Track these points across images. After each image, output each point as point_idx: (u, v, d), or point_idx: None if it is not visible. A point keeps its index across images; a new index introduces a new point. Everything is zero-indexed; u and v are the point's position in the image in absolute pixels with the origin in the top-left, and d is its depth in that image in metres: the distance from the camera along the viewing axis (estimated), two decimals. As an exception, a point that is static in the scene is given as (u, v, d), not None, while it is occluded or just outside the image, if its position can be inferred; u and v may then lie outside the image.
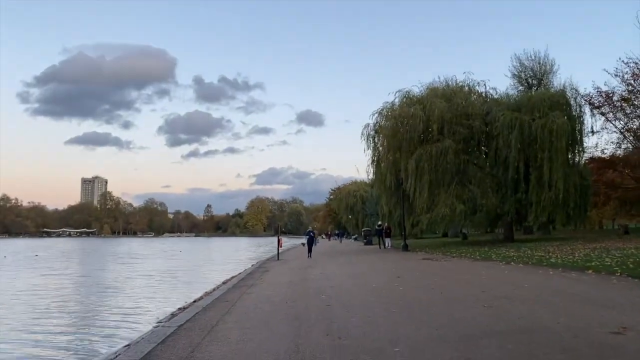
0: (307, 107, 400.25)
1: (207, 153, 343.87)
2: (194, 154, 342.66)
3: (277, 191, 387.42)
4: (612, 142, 37.52)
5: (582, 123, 25.93)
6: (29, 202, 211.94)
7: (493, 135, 26.20)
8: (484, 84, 28.98)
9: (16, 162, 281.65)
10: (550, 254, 17.52)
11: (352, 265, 18.62)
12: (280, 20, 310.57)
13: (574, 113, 25.70)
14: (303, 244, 68.70)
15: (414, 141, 27.16)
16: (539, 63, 40.08)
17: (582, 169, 25.28)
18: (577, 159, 26.09)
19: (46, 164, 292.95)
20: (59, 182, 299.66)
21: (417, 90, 29.11)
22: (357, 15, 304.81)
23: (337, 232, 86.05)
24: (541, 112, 24.65)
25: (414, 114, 26.77)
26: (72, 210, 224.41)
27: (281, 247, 27.14)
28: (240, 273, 19.71)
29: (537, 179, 24.39)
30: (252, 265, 24.90)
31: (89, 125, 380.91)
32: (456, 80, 28.86)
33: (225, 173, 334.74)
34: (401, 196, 28.21)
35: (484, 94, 28.88)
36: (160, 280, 22.48)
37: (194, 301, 12.18)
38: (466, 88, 28.68)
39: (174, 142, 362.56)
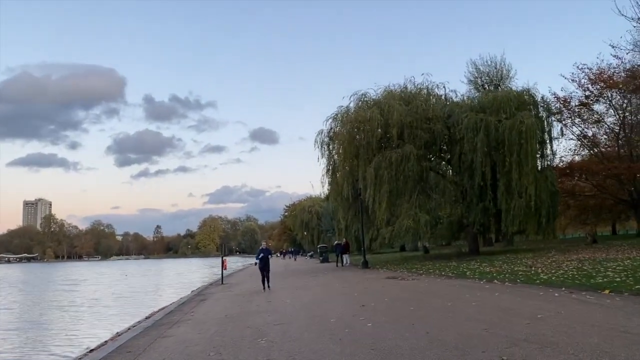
0: (261, 125, 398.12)
1: (157, 172, 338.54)
2: (144, 173, 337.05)
3: (231, 210, 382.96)
4: (569, 150, 36.65)
5: (550, 125, 24.26)
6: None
7: (456, 139, 24.16)
8: (444, 87, 27.10)
9: None
10: (533, 268, 15.30)
11: (307, 289, 15.77)
12: (231, 37, 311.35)
13: (541, 114, 23.96)
14: (255, 264, 65.78)
15: (372, 147, 24.78)
16: (495, 68, 39.00)
17: (549, 174, 23.51)
18: (545, 163, 24.31)
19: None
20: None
21: (373, 93, 26.86)
22: (308, 31, 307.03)
23: (290, 249, 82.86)
24: (508, 112, 22.77)
25: (372, 118, 24.40)
26: (11, 234, 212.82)
27: (225, 269, 23.95)
28: (172, 303, 16.48)
29: (505, 186, 22.38)
30: (192, 292, 21.66)
31: (34, 147, 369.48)
32: (414, 83, 26.83)
33: (177, 193, 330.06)
34: (359, 208, 25.68)
35: (444, 97, 26.93)
36: (84, 311, 19.04)
37: (90, 350, 9.08)
38: (425, 91, 26.61)
39: (124, 162, 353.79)
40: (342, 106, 27.02)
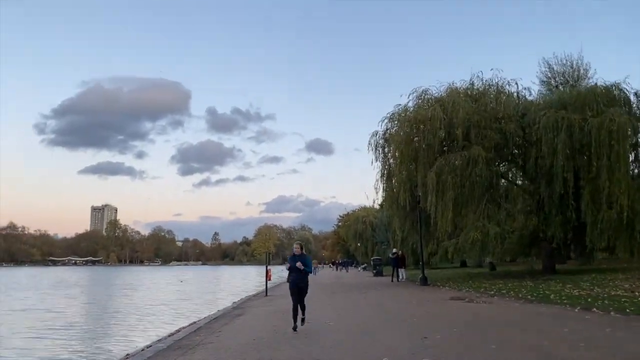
0: (317, 136, 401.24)
1: (218, 182, 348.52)
2: (205, 182, 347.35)
3: (287, 219, 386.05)
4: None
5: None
6: (35, 230, 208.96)
7: (532, 141, 21.11)
8: (516, 84, 23.93)
9: (29, 191, 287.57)
10: (636, 292, 12.30)
11: (356, 310, 13.43)
12: (291, 51, 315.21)
13: (635, 112, 20.48)
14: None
15: (434, 149, 22.15)
16: (572, 67, 35.27)
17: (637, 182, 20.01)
18: (638, 170, 20.79)
19: (58, 193, 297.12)
20: (70, 211, 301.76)
21: (435, 90, 24.15)
22: (364, 42, 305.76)
23: (340, 261, 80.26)
24: (594, 110, 19.53)
25: (433, 116, 21.80)
26: (79, 238, 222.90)
27: (270, 279, 21.98)
28: (205, 317, 14.60)
29: (591, 195, 19.12)
30: (233, 303, 19.83)
31: (104, 156, 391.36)
32: (482, 79, 23.82)
33: (235, 201, 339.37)
34: (418, 217, 23.06)
35: (516, 95, 23.85)
36: (115, 321, 17.60)
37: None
38: (494, 88, 23.60)
39: (186, 171, 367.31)
40: (399, 105, 24.55)
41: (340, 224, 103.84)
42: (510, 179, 22.81)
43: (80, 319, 18.67)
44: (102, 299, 29.36)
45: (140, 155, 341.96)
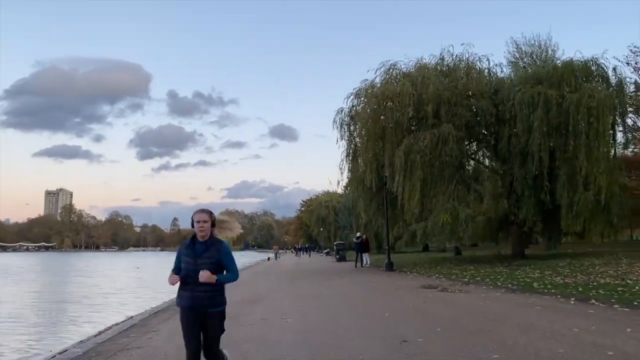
0: (281, 122, 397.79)
1: (178, 166, 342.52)
2: (165, 167, 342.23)
3: (249, 204, 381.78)
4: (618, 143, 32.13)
5: (625, 103, 19.74)
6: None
7: (505, 119, 19.92)
8: (487, 60, 22.68)
9: None
10: (628, 280, 11.19)
11: (319, 301, 11.83)
12: (255, 35, 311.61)
13: (614, 88, 19.46)
14: (268, 259, 62.27)
15: (402, 127, 20.72)
16: (539, 47, 34.48)
17: (620, 163, 19.18)
18: (617, 151, 19.93)
19: (11, 176, 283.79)
20: (23, 195, 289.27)
21: (404, 65, 22.65)
22: (330, 26, 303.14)
23: (300, 246, 78.64)
24: (572, 85, 18.47)
25: (402, 92, 20.32)
26: (31, 223, 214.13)
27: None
28: (143, 312, 12.73)
29: (568, 175, 18.10)
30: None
31: (59, 139, 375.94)
32: (452, 54, 22.37)
33: (196, 186, 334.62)
34: (384, 199, 21.65)
35: (487, 72, 22.62)
36: (55, 311, 15.47)
37: None
38: (464, 64, 22.26)
39: (146, 156, 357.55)
40: (366, 80, 22.95)
41: (303, 209, 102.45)
42: (481, 159, 21.60)
43: (13, 309, 16.44)
44: (48, 286, 26.91)
45: (97, 138, 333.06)
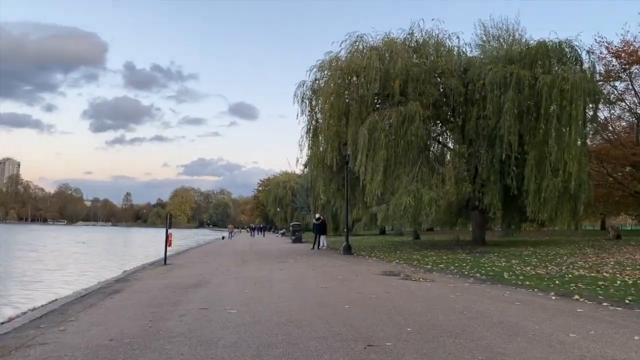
0: (241, 100, 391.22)
1: (133, 140, 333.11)
2: (119, 140, 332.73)
3: (206, 182, 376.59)
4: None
5: (597, 89, 19.12)
6: None
7: (474, 100, 19.02)
8: (458, 38, 21.72)
9: None
10: (604, 273, 10.42)
11: (269, 286, 10.55)
12: (217, 8, 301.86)
13: (587, 71, 18.80)
14: (222, 238, 60.46)
15: (367, 104, 19.56)
16: (507, 31, 33.84)
17: (588, 151, 18.65)
18: (587, 137, 19.37)
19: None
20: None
21: (371, 39, 21.34)
22: (294, 5, 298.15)
23: (260, 225, 77.09)
24: (545, 67, 17.68)
25: (369, 65, 19.08)
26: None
27: (170, 246, 18.61)
28: (67, 296, 11.13)
29: (536, 160, 17.42)
30: (123, 272, 16.37)
31: (8, 107, 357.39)
32: (422, 29, 21.27)
33: (151, 162, 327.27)
34: (345, 179, 20.46)
35: (456, 50, 21.63)
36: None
37: None
38: (434, 40, 21.20)
39: (99, 128, 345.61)
40: (330, 52, 21.56)
41: (260, 188, 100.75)
42: (446, 140, 20.68)
43: None
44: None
45: (49, 108, 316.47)
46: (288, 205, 72.67)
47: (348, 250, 20.08)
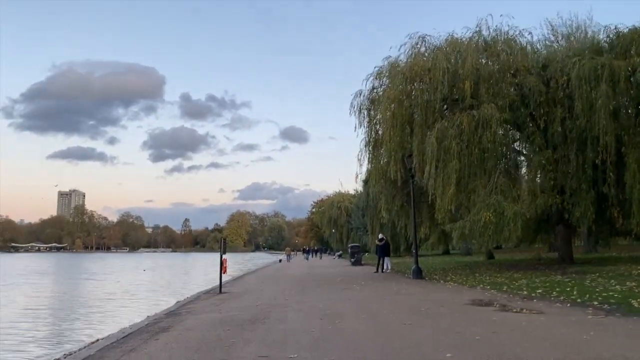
0: (292, 124, 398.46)
1: (190, 168, 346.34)
2: (177, 169, 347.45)
3: (261, 206, 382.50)
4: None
5: None
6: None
7: (557, 99, 16.71)
8: (530, 34, 19.48)
9: None
10: None
11: (340, 325, 8.75)
12: (267, 38, 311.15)
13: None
14: (280, 261, 59.03)
15: (434, 109, 17.61)
16: (578, 30, 31.00)
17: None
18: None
19: (26, 178, 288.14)
20: (37, 196, 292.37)
21: (434, 40, 19.46)
22: (341, 30, 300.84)
23: (307, 248, 74.36)
24: (645, 55, 15.22)
25: (435, 66, 17.20)
26: (43, 224, 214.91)
27: (225, 272, 17.19)
28: (106, 337, 9.76)
29: (639, 163, 14.89)
30: (177, 303, 15.06)
31: (74, 141, 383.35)
32: (490, 27, 19.13)
33: (208, 188, 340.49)
34: (411, 193, 18.44)
35: (529, 47, 19.39)
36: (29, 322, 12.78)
37: None
38: (503, 37, 19.02)
39: (158, 157, 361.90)
40: (389, 57, 19.84)
41: (314, 210, 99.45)
42: (528, 146, 18.29)
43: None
44: (41, 289, 24.21)
45: (111, 141, 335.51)
46: (343, 226, 70.82)
47: (418, 273, 17.97)
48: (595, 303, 9.12)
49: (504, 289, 12.51)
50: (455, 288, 13.93)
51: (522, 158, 19.03)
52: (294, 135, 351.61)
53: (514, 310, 9.05)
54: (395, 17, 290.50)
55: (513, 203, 15.62)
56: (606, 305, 8.77)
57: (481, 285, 13.75)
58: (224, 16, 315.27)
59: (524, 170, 18.91)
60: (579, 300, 9.64)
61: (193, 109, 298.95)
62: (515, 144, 19.01)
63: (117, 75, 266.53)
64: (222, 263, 16.84)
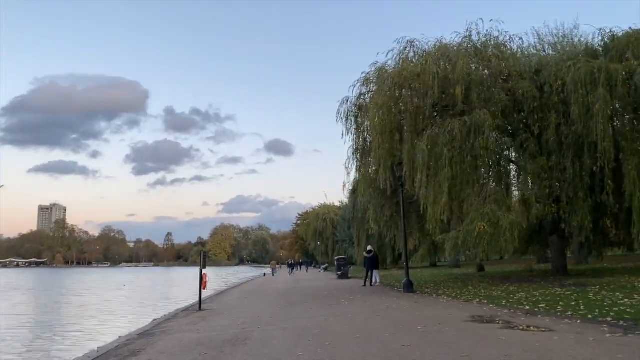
0: (276, 137, 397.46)
1: (174, 181, 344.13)
2: (160, 182, 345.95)
3: (245, 219, 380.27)
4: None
5: None
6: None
7: (551, 104, 16.15)
8: (521, 39, 19.03)
9: None
10: None
11: (331, 345, 7.87)
12: (252, 52, 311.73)
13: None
14: (264, 275, 57.54)
15: (424, 115, 16.96)
16: (564, 38, 30.85)
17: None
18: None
19: (5, 192, 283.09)
20: (16, 210, 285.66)
21: (422, 45, 18.83)
22: (326, 44, 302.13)
23: (291, 262, 71.94)
24: (640, 58, 14.74)
25: (425, 71, 16.56)
26: (23, 239, 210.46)
27: (205, 288, 16.14)
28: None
29: (638, 170, 14.33)
30: (153, 321, 14.00)
31: (56, 155, 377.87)
32: (479, 32, 18.55)
33: (192, 201, 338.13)
34: (402, 203, 17.65)
35: (519, 53, 18.91)
36: None
37: None
38: (493, 42, 18.47)
39: (141, 171, 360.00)
40: (376, 63, 19.16)
41: (299, 222, 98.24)
42: (522, 153, 17.65)
43: None
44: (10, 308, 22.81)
45: (94, 154, 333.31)
46: (329, 239, 69.80)
47: (409, 287, 17.13)
48: (609, 319, 8.36)
49: (503, 303, 11.73)
50: (450, 302, 13.10)
51: (516, 166, 18.38)
52: (278, 148, 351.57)
53: (520, 327, 8.25)
54: (381, 28, 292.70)
55: (508, 212, 14.92)
56: (622, 322, 8.02)
57: (477, 300, 12.95)
58: (208, 30, 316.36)
59: (517, 178, 18.25)
60: (589, 316, 8.87)
61: (177, 123, 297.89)
62: (508, 151, 18.37)
63: (101, 89, 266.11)
64: (202, 278, 15.84)
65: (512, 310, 10.53)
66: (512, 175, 18.34)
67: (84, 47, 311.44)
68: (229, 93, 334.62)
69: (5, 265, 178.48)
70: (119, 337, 11.60)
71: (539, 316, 9.54)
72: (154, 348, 8.82)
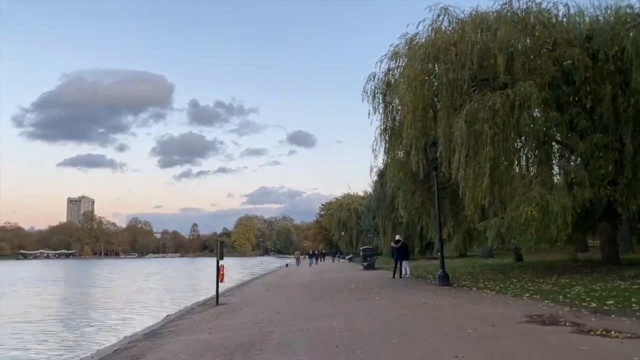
0: (299, 128, 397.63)
1: (199, 174, 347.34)
2: (186, 174, 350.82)
3: (269, 210, 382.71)
4: None
5: None
6: (5, 223, 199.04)
7: (606, 73, 14.35)
8: (567, 5, 17.12)
9: (5, 184, 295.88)
10: None
11: (365, 350, 6.45)
12: (273, 45, 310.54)
13: None
14: (286, 265, 56.34)
15: (460, 89, 15.23)
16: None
17: None
18: None
19: (36, 185, 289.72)
20: (46, 203, 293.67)
21: (458, 13, 17.04)
22: (348, 35, 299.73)
23: (313, 252, 69.33)
24: None
25: (462, 39, 14.88)
26: (52, 231, 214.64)
27: (222, 281, 14.84)
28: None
29: None
30: (166, 317, 12.85)
31: (84, 149, 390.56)
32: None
33: (216, 193, 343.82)
34: (437, 188, 16.03)
35: (566, 19, 17.00)
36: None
37: None
38: (535, 10, 16.59)
39: (167, 163, 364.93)
40: (406, 34, 17.49)
41: (322, 212, 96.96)
42: (571, 129, 15.77)
43: None
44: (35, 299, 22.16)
45: (121, 148, 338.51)
46: (353, 229, 68.35)
47: (445, 279, 15.55)
48: None
49: (560, 299, 10.10)
50: (495, 298, 11.51)
51: (564, 144, 16.55)
52: (301, 139, 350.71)
53: (596, 331, 6.67)
54: (406, 15, 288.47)
55: (561, 195, 13.20)
56: None
57: (527, 294, 11.33)
58: (231, 23, 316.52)
59: (567, 158, 16.44)
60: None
61: (201, 115, 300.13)
62: (555, 127, 16.55)
63: (127, 83, 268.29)
64: (218, 270, 14.55)
65: (574, 309, 8.92)
66: (559, 154, 16.52)
67: (109, 42, 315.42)
68: (252, 86, 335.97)
69: (35, 257, 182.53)
70: (125, 336, 10.43)
71: (612, 316, 7.93)
72: (155, 354, 7.53)
